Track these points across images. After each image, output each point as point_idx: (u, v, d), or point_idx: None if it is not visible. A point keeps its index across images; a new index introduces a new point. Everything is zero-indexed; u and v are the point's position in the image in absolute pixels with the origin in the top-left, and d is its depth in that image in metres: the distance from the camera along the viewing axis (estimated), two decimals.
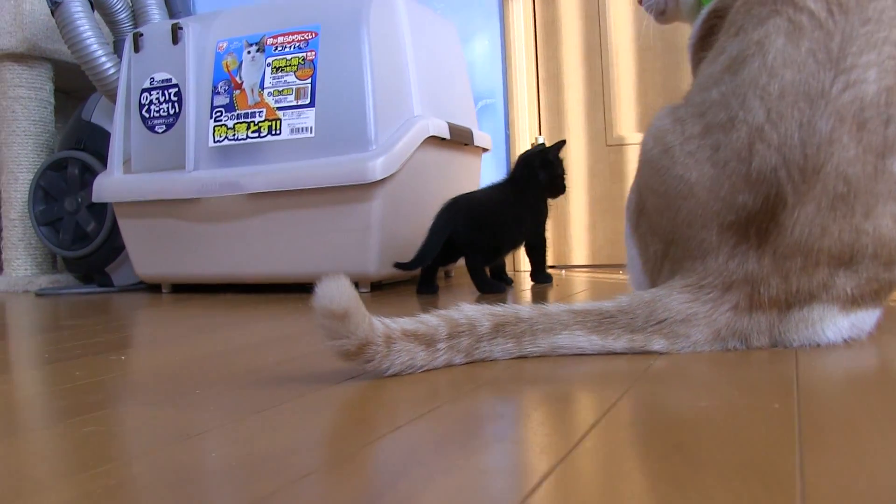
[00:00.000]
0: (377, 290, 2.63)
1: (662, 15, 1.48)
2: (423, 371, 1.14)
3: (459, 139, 2.85)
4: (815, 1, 1.15)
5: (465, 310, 1.19)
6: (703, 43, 1.38)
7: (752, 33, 1.20)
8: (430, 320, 1.17)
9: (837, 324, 1.17)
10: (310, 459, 0.73)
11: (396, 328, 1.13)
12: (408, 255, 2.34)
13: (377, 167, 2.42)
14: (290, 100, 2.57)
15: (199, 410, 0.96)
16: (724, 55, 1.25)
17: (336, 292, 1.06)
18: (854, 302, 1.16)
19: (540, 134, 3.52)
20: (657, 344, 1.18)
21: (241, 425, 0.87)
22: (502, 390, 1.00)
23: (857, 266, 1.14)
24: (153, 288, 3.08)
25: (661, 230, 1.27)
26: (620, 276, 2.77)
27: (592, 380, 1.04)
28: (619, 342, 1.19)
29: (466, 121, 3.03)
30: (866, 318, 1.20)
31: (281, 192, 2.56)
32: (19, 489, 0.68)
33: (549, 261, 3.22)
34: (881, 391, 0.92)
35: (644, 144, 1.33)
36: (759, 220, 1.14)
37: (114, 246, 3.23)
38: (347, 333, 1.07)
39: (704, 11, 1.39)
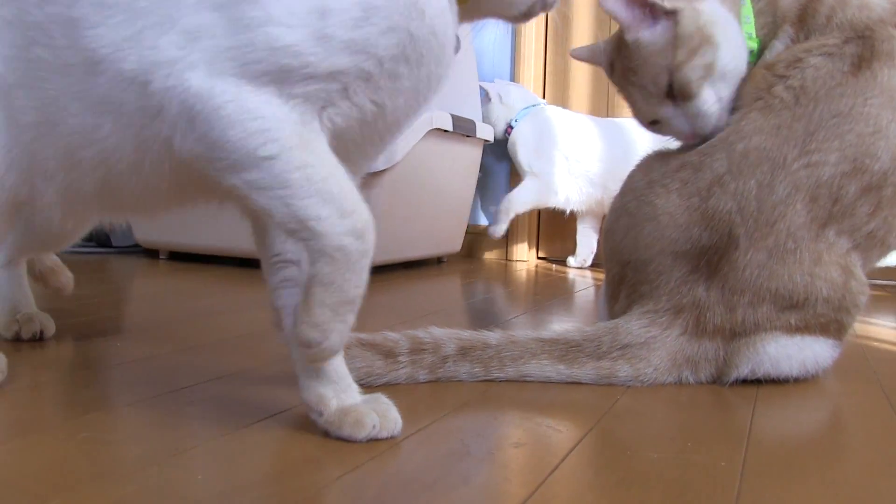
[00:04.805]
0: (372, 275, 2.68)
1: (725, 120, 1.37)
2: (386, 385, 1.20)
3: (462, 131, 2.90)
4: (785, 91, 1.28)
5: (433, 331, 1.27)
6: None
7: (739, 112, 1.33)
8: (390, 335, 1.25)
9: (781, 341, 1.27)
10: (286, 491, 0.80)
11: (352, 336, 1.21)
12: (407, 244, 2.38)
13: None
14: None
15: (190, 419, 1.03)
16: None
17: None
18: (798, 329, 1.27)
19: None
20: (622, 371, 1.27)
21: (228, 443, 0.93)
22: (469, 421, 1.07)
23: (807, 307, 1.25)
24: (150, 253, 3.13)
25: (622, 251, 1.38)
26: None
27: (559, 413, 1.10)
28: (585, 370, 1.27)
29: (471, 112, 3.07)
30: (814, 345, 1.29)
31: None
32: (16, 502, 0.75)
33: (544, 253, 3.29)
34: (824, 455, 0.98)
35: (632, 175, 1.44)
36: (710, 254, 1.27)
37: None
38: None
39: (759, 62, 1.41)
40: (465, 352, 1.25)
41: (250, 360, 1.35)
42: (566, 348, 1.28)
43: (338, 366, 1.00)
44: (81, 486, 0.79)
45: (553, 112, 3.27)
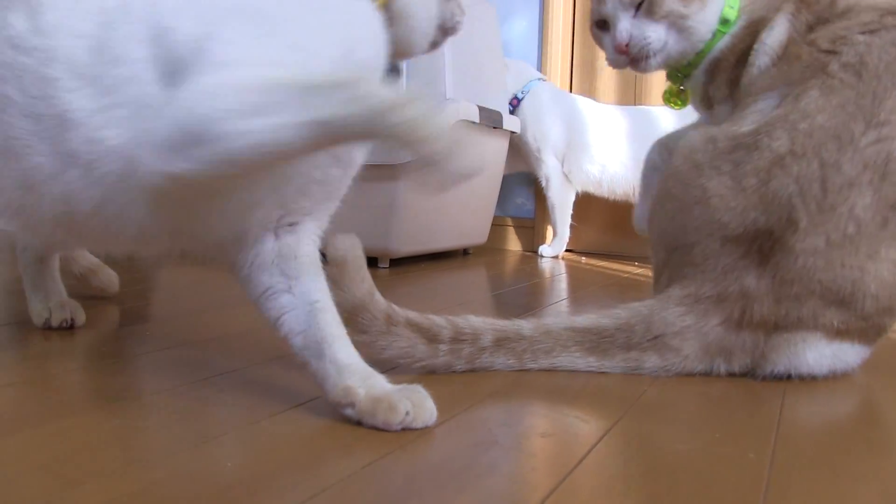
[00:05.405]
0: (396, 265, 2.70)
1: (652, 59, 1.47)
2: (422, 370, 1.22)
3: (489, 123, 2.90)
4: (844, 71, 1.24)
5: (470, 319, 1.27)
6: (726, 56, 1.45)
7: (788, 88, 1.28)
8: (436, 319, 1.25)
9: (820, 349, 1.25)
10: (314, 478, 0.80)
11: (402, 314, 1.22)
12: (433, 235, 2.38)
13: None
14: None
15: (219, 406, 1.03)
16: (760, 102, 1.33)
17: (342, 243, 1.18)
18: (839, 333, 1.24)
19: None
20: (650, 361, 1.26)
21: (257, 430, 0.94)
22: (497, 411, 1.07)
23: (854, 304, 1.21)
24: None
25: (668, 236, 1.35)
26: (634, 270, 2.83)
27: (586, 404, 1.10)
28: (614, 361, 1.27)
29: (498, 104, 3.07)
30: (850, 352, 1.27)
31: None
32: (51, 488, 0.76)
33: (570, 245, 3.28)
34: (854, 449, 0.98)
35: (675, 159, 1.38)
36: (763, 239, 1.22)
37: None
38: (343, 286, 1.17)
39: (732, 30, 1.44)
40: (500, 343, 1.26)
41: (279, 349, 1.35)
42: (598, 339, 1.27)
43: (358, 361, 1.02)
44: (113, 471, 0.80)
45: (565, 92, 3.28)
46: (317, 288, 1.07)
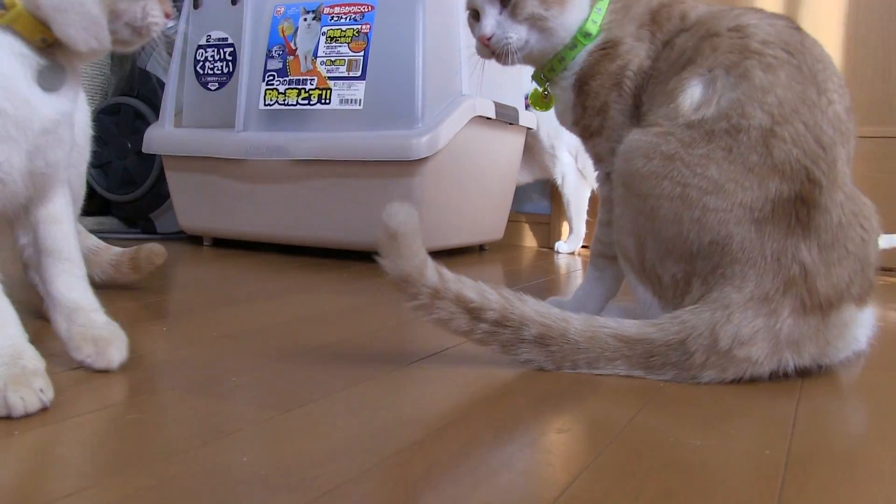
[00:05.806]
0: None
1: (513, 56, 1.54)
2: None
3: (505, 119, 2.90)
4: (773, 49, 1.27)
5: (527, 305, 1.25)
6: (592, 73, 1.50)
7: (714, 72, 1.29)
8: (492, 298, 1.23)
9: (863, 323, 1.28)
10: (330, 473, 0.80)
11: (453, 289, 1.22)
12: (449, 231, 2.38)
13: (421, 145, 2.48)
14: (342, 71, 2.62)
15: (235, 402, 1.04)
16: (688, 89, 1.30)
17: (396, 215, 1.18)
18: (861, 299, 1.26)
19: None
20: (706, 377, 1.20)
21: (272, 425, 0.95)
22: (513, 406, 1.07)
23: (869, 259, 1.25)
24: (194, 239, 3.16)
25: (682, 242, 1.25)
26: None
27: (602, 398, 1.10)
28: (666, 376, 1.21)
29: (513, 99, 3.07)
30: (870, 317, 1.32)
31: (326, 160, 2.62)
32: (69, 482, 0.76)
33: (586, 241, 3.27)
34: (871, 445, 0.98)
35: (629, 164, 1.32)
36: (797, 205, 1.19)
37: (159, 193, 3.31)
38: (390, 258, 1.19)
39: (591, 45, 1.49)
40: (542, 340, 1.22)
41: (293, 346, 1.36)
42: (646, 356, 1.21)
43: (75, 300, 1.19)
44: (130, 465, 0.80)
45: None
46: (49, 237, 1.20)
